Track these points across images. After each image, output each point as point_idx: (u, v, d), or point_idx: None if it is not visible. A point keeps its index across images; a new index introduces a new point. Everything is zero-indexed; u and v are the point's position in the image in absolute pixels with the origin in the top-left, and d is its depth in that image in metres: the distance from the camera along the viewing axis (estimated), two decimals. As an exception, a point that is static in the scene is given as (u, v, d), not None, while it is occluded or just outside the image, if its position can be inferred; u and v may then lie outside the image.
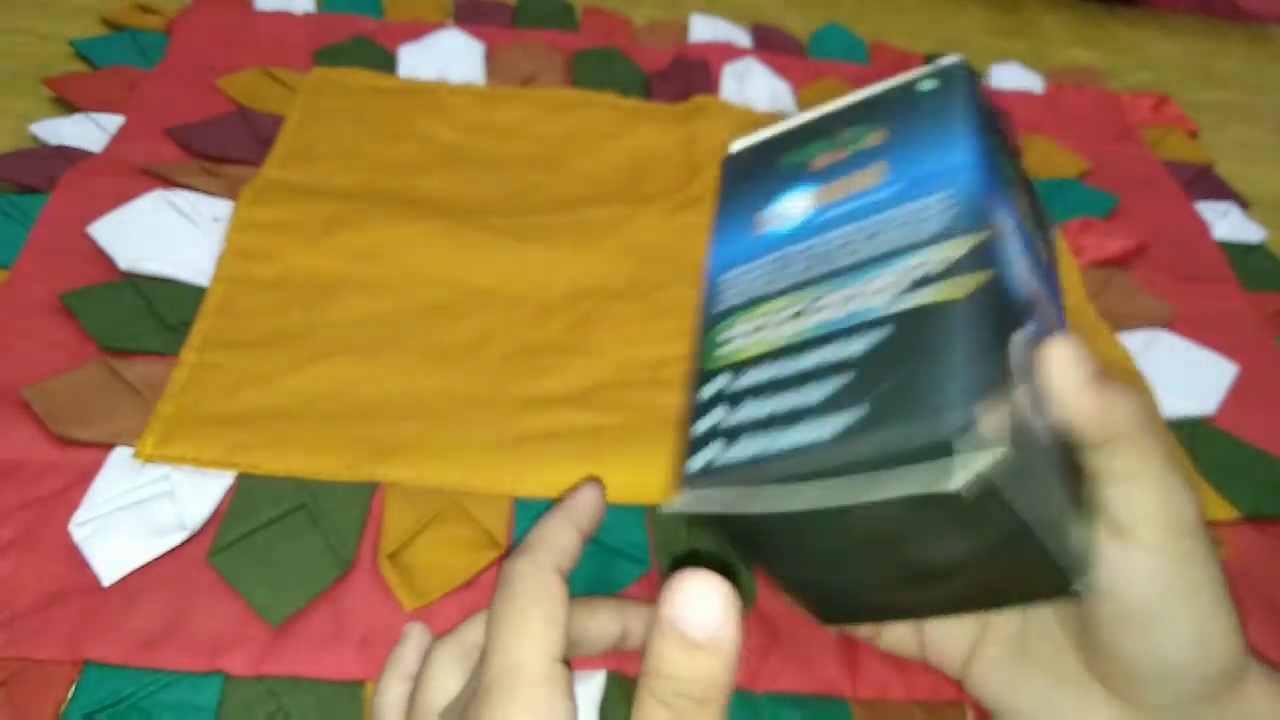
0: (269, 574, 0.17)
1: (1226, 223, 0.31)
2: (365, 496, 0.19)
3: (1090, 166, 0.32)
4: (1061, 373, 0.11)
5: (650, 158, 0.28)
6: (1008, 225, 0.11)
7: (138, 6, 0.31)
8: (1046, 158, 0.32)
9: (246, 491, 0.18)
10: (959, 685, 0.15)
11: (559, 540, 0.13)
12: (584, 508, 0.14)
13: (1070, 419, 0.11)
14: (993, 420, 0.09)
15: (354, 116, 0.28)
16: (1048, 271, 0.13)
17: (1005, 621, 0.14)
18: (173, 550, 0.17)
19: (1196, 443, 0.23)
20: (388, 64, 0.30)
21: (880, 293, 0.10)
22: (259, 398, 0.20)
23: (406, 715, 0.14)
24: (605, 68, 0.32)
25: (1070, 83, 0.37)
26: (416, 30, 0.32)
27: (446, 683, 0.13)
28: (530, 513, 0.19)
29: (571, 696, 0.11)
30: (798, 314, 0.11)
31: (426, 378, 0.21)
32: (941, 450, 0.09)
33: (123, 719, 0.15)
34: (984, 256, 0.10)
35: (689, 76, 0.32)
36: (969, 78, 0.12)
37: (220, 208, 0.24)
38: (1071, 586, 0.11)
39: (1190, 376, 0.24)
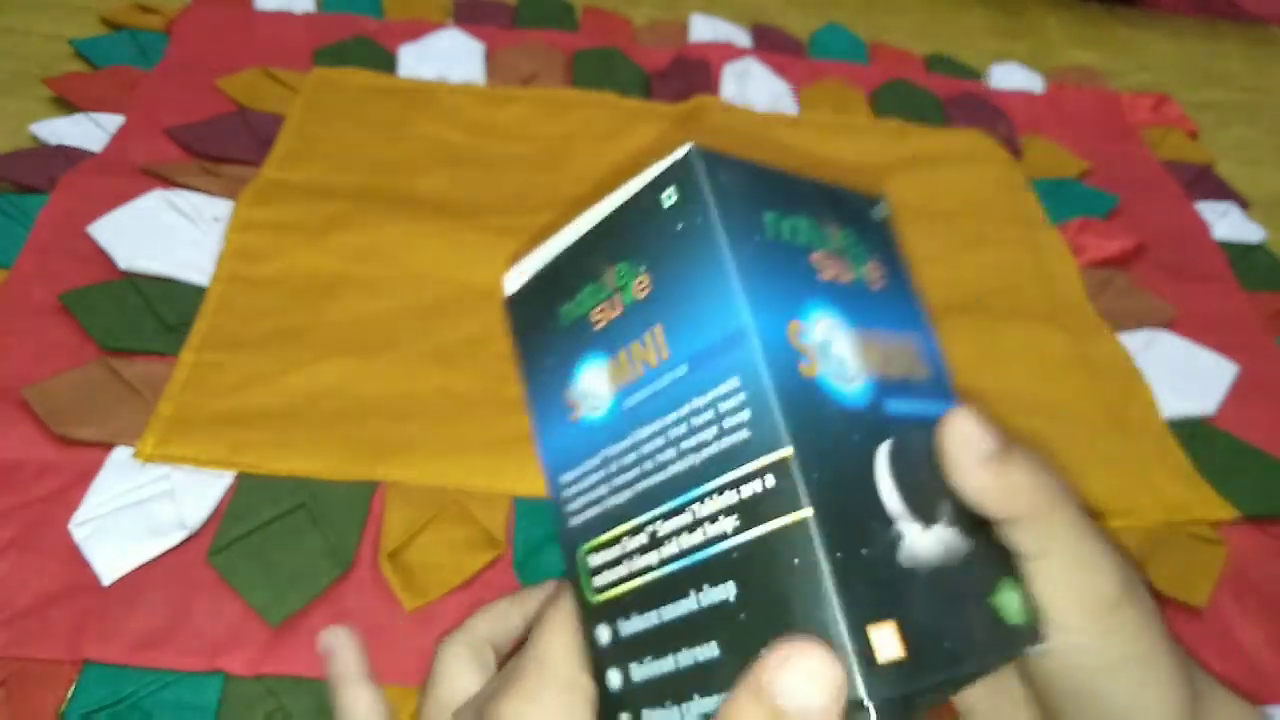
0: (269, 574, 0.17)
1: (1226, 223, 0.31)
2: (365, 496, 0.19)
3: (1090, 166, 0.32)
4: (958, 450, 0.10)
5: (650, 157, 0.28)
6: (824, 322, 0.10)
7: (137, 6, 0.31)
8: (1046, 158, 0.32)
9: (246, 491, 0.18)
10: None
11: None
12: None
13: (970, 497, 0.10)
14: (885, 642, 0.09)
15: (354, 116, 0.28)
16: (892, 283, 0.11)
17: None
18: (172, 550, 0.17)
19: (1196, 443, 0.23)
20: (388, 64, 0.30)
21: (718, 519, 0.10)
22: (259, 397, 0.20)
23: (419, 713, 0.14)
24: (605, 68, 0.32)
25: (1070, 83, 0.37)
26: (416, 30, 0.32)
27: (463, 680, 0.13)
28: (530, 512, 0.19)
29: (593, 701, 0.11)
30: (650, 542, 0.10)
31: (426, 377, 0.21)
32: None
33: (123, 718, 0.15)
34: (803, 470, 0.09)
35: (689, 76, 0.32)
36: (707, 172, 0.10)
37: (220, 207, 0.24)
38: (1014, 654, 0.10)
39: (1190, 376, 0.24)
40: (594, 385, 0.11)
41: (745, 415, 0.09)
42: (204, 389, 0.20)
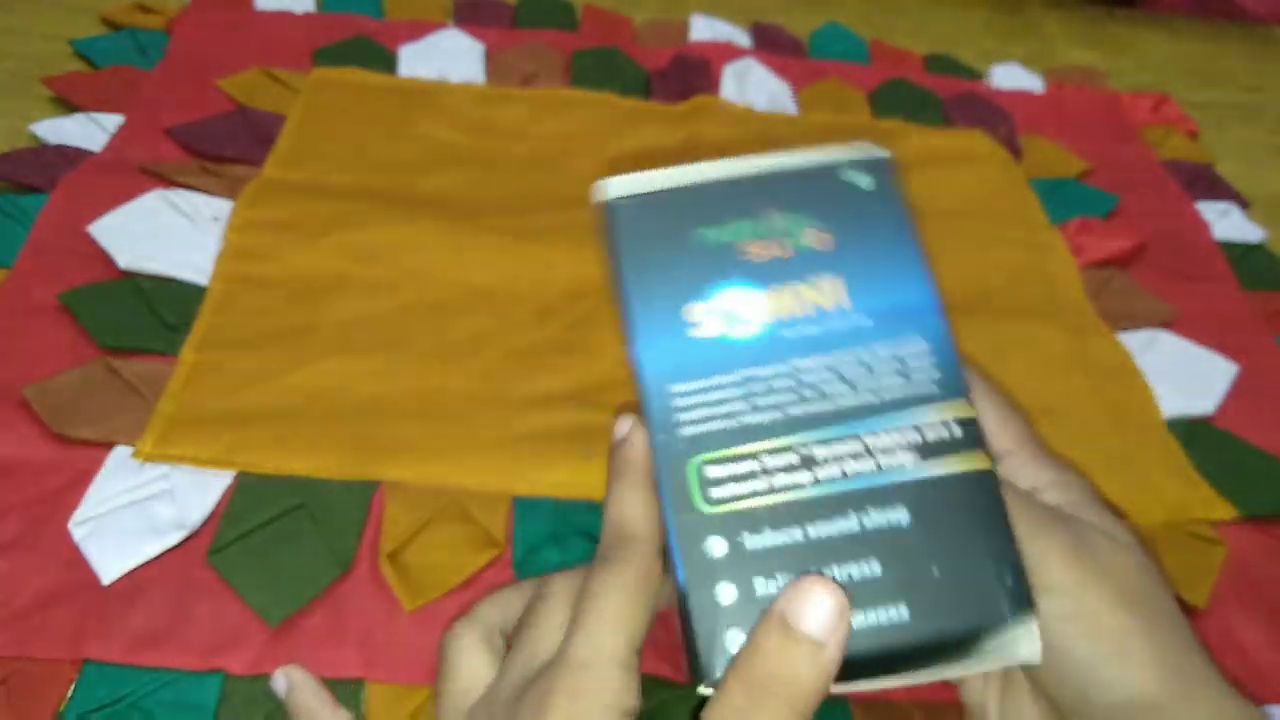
0: (268, 574, 0.17)
1: (1226, 223, 0.31)
2: (365, 496, 0.19)
3: (1090, 167, 0.32)
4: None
5: (650, 157, 0.29)
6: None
7: (138, 6, 0.31)
8: (1047, 158, 0.32)
9: (246, 491, 0.18)
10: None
11: (655, 520, 0.12)
12: (643, 461, 0.12)
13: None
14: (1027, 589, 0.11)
15: (354, 116, 0.28)
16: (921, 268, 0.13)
17: None
18: (172, 549, 0.17)
19: (1196, 442, 0.23)
20: (388, 64, 0.30)
21: (890, 452, 0.11)
22: (258, 397, 0.20)
23: (437, 706, 0.14)
24: (605, 67, 0.32)
25: (1071, 83, 0.37)
26: (417, 30, 0.32)
27: (476, 670, 0.13)
28: (529, 512, 0.19)
29: (639, 689, 0.12)
30: (802, 462, 0.11)
31: (426, 377, 0.21)
32: (1007, 625, 0.10)
33: (122, 718, 0.15)
34: (977, 428, 0.11)
35: (689, 76, 0.32)
36: (898, 176, 0.12)
37: (220, 207, 0.24)
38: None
39: (1190, 376, 0.24)
40: (741, 308, 0.12)
41: (934, 372, 0.11)
42: (204, 388, 0.20)
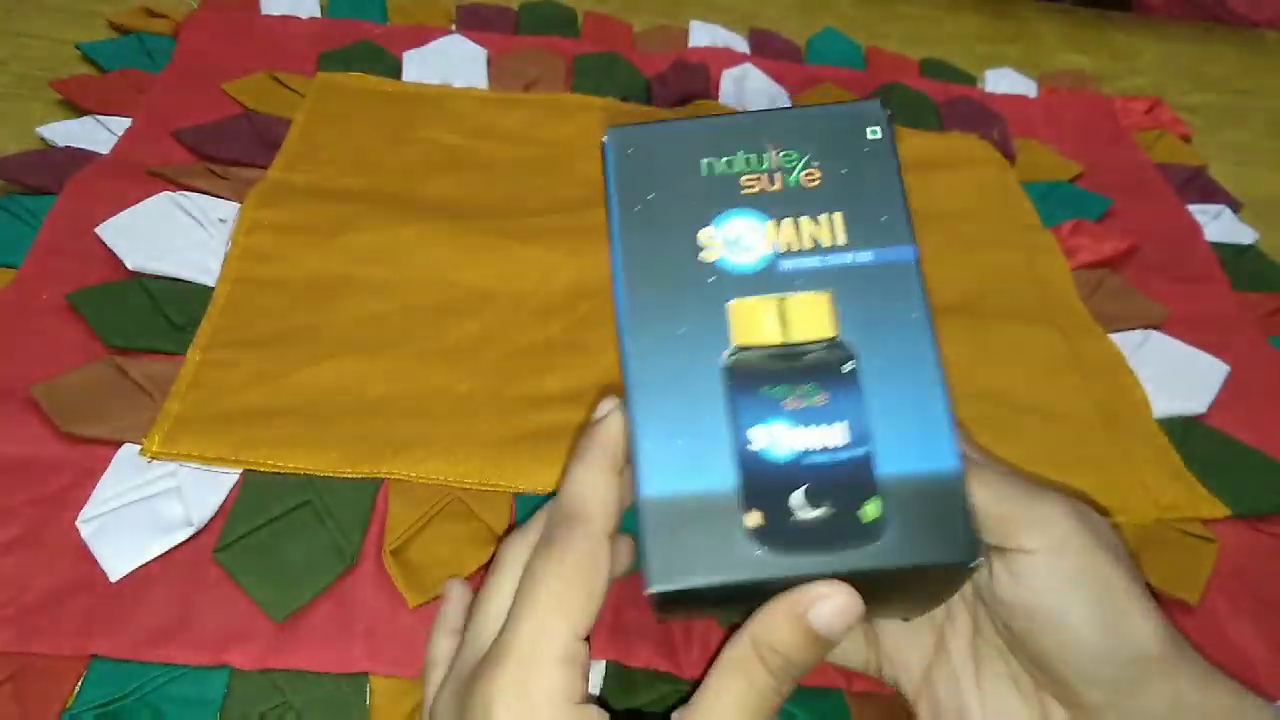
0: (274, 570, 0.17)
1: (1218, 225, 0.31)
2: (369, 493, 0.19)
3: (1083, 170, 0.32)
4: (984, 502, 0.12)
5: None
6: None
7: (145, 11, 0.31)
8: (1040, 161, 0.32)
9: (252, 488, 0.19)
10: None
11: (610, 502, 0.12)
12: (614, 445, 0.13)
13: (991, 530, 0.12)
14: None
15: (359, 120, 0.28)
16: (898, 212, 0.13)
17: (960, 630, 0.14)
18: (179, 546, 0.18)
19: (1188, 441, 0.23)
20: (392, 69, 0.31)
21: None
22: (264, 396, 0.20)
23: (424, 698, 0.14)
24: (605, 72, 0.32)
25: (1063, 87, 0.37)
26: (420, 35, 0.32)
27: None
28: (530, 508, 0.19)
29: (587, 676, 0.12)
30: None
31: (429, 377, 0.21)
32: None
33: (129, 713, 0.16)
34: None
35: (688, 81, 0.32)
36: (893, 130, 0.13)
37: (227, 210, 0.25)
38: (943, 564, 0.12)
39: (1182, 376, 0.25)
40: (746, 237, 0.12)
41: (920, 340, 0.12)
42: (210, 388, 0.20)
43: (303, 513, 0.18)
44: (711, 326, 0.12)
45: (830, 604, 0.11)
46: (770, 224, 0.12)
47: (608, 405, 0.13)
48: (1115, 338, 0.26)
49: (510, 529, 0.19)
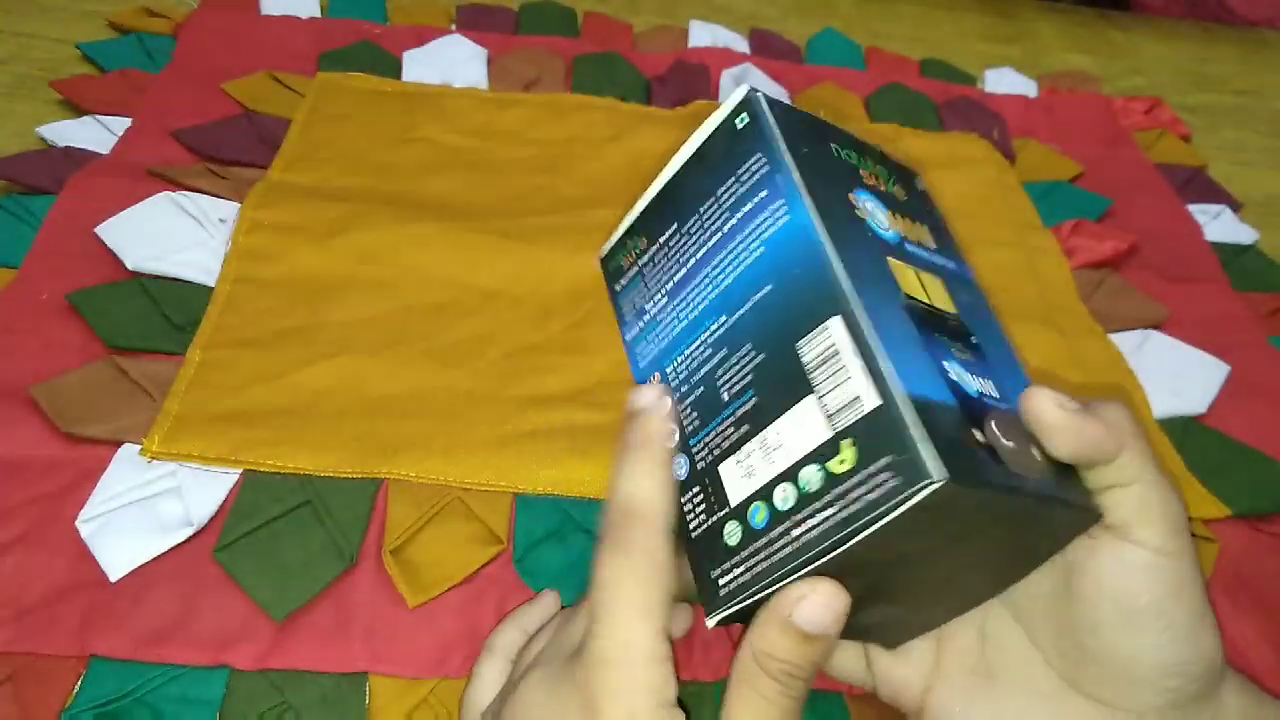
0: (274, 570, 0.17)
1: (1218, 224, 0.31)
2: (369, 493, 0.19)
3: (1083, 170, 0.32)
4: (1051, 419, 0.11)
5: (650, 161, 0.29)
6: (867, 202, 0.13)
7: (145, 11, 0.32)
8: (1040, 161, 0.32)
9: (252, 488, 0.19)
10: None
11: (667, 498, 0.12)
12: (662, 439, 0.12)
13: (1074, 454, 0.12)
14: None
15: (359, 120, 0.28)
16: (915, 201, 0.14)
17: (962, 645, 0.14)
18: (179, 546, 0.18)
19: (1188, 441, 0.23)
20: (392, 69, 0.31)
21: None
22: (264, 396, 0.20)
23: (459, 713, 0.15)
24: (605, 72, 0.32)
25: (1064, 87, 0.37)
26: (420, 36, 0.32)
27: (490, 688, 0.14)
28: (530, 508, 0.19)
29: (675, 673, 0.12)
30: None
31: (429, 376, 0.21)
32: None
33: (128, 713, 0.16)
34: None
35: (688, 81, 0.32)
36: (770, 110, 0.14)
37: (226, 209, 0.25)
38: (1089, 511, 0.12)
39: (1182, 376, 0.25)
40: (878, 215, 0.13)
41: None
42: (210, 388, 0.20)
43: (302, 513, 0.18)
44: (884, 272, 0.12)
45: (810, 602, 0.11)
46: (889, 213, 0.13)
47: (647, 397, 0.13)
48: (1115, 338, 0.26)
49: (510, 529, 0.19)
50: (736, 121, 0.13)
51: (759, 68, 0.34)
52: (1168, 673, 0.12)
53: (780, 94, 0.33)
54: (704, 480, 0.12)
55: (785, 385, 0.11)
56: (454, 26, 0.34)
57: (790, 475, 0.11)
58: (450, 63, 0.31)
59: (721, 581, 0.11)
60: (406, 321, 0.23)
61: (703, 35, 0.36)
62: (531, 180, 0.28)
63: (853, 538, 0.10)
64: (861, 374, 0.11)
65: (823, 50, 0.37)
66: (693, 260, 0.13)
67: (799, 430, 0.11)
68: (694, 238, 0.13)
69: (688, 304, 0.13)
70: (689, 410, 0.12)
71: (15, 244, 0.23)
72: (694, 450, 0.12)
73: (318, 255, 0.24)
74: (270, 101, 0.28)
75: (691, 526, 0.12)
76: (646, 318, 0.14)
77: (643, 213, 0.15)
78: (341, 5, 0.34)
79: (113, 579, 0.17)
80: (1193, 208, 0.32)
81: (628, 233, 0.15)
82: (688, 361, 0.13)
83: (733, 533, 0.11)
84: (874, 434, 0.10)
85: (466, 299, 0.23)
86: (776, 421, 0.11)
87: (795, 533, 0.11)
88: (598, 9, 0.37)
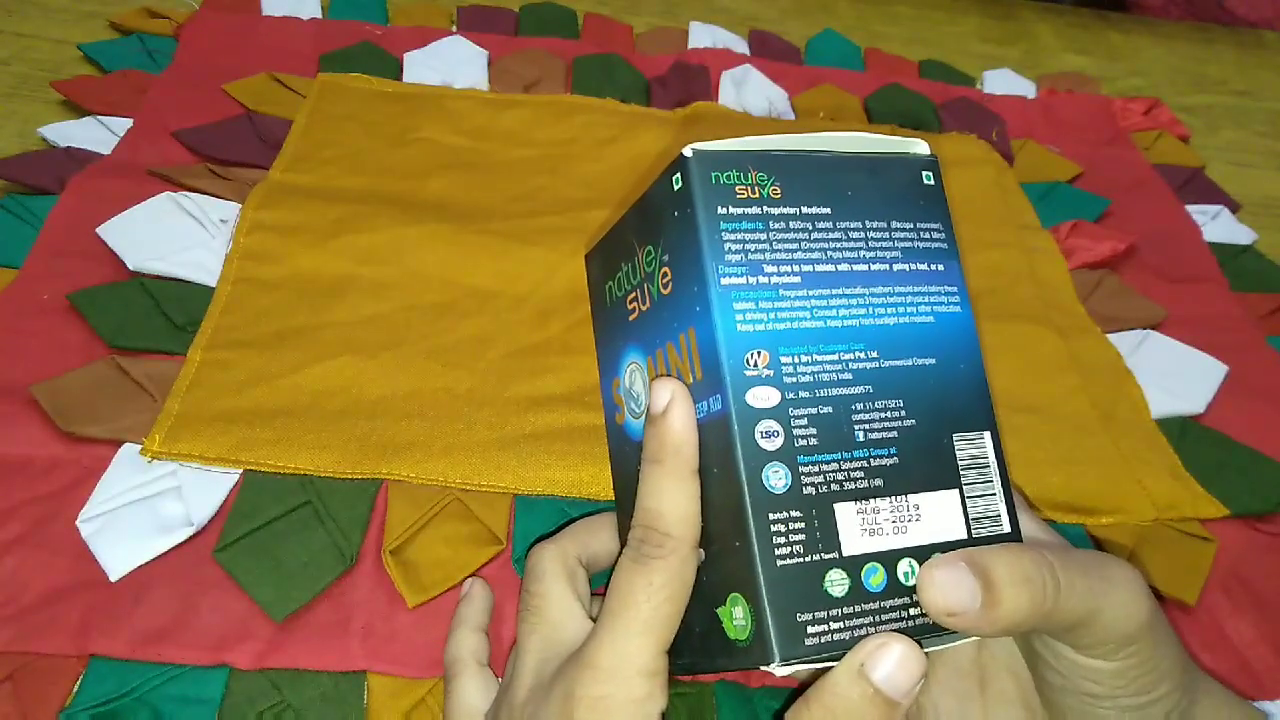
0: (274, 570, 0.17)
1: (1217, 225, 0.31)
2: (369, 493, 0.19)
3: (1082, 170, 0.32)
4: (954, 620, 0.11)
5: (650, 162, 0.29)
6: (631, 365, 0.13)
7: (146, 11, 0.32)
8: (1039, 162, 0.32)
9: (252, 488, 0.19)
10: None
11: (693, 514, 0.12)
12: (689, 446, 0.12)
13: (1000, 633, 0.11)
14: None
15: (360, 121, 0.28)
16: (683, 271, 0.12)
17: (959, 652, 0.14)
18: (179, 546, 0.18)
19: (1186, 441, 0.23)
20: (393, 70, 0.31)
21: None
22: (265, 396, 0.20)
23: (518, 622, 0.14)
24: (606, 74, 0.32)
25: (1062, 88, 0.37)
26: (421, 37, 0.32)
27: (565, 607, 0.14)
28: (530, 509, 0.19)
29: (667, 687, 0.12)
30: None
31: (430, 377, 0.21)
32: None
33: (127, 712, 0.16)
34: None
35: (688, 82, 0.32)
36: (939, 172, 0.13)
37: (227, 210, 0.25)
38: (735, 667, 0.12)
39: (1180, 376, 0.25)
40: (635, 387, 0.13)
41: None
42: (211, 388, 0.20)
43: (302, 513, 0.18)
44: None
45: (905, 669, 0.10)
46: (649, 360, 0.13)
47: (666, 392, 0.12)
48: (1114, 338, 0.26)
49: (510, 529, 0.19)
50: (924, 177, 0.13)
51: (758, 69, 0.34)
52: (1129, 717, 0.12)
53: (780, 95, 0.33)
54: (812, 510, 0.11)
55: (935, 465, 0.11)
56: (455, 28, 0.34)
57: (918, 554, 0.11)
58: (451, 64, 0.31)
59: (811, 629, 0.10)
60: (407, 322, 0.23)
61: (703, 36, 0.36)
62: (532, 181, 0.28)
63: (964, 637, 0.11)
64: (1000, 497, 0.11)
65: (822, 51, 0.37)
66: (846, 266, 0.12)
67: (938, 515, 0.11)
68: (852, 243, 0.12)
69: (828, 306, 0.12)
70: (804, 422, 0.11)
71: (16, 244, 0.23)
72: (803, 469, 0.11)
73: (318, 256, 0.24)
74: (271, 102, 0.28)
75: (779, 551, 0.11)
76: (764, 278, 0.12)
77: (777, 156, 0.12)
78: (342, 6, 0.34)
79: (113, 579, 0.17)
80: (1191, 208, 0.32)
81: (750, 157, 0.12)
82: (814, 369, 0.12)
83: (839, 583, 0.11)
84: None
85: (467, 300, 0.23)
86: (920, 495, 0.11)
87: (913, 612, 0.11)
88: (598, 10, 0.37)
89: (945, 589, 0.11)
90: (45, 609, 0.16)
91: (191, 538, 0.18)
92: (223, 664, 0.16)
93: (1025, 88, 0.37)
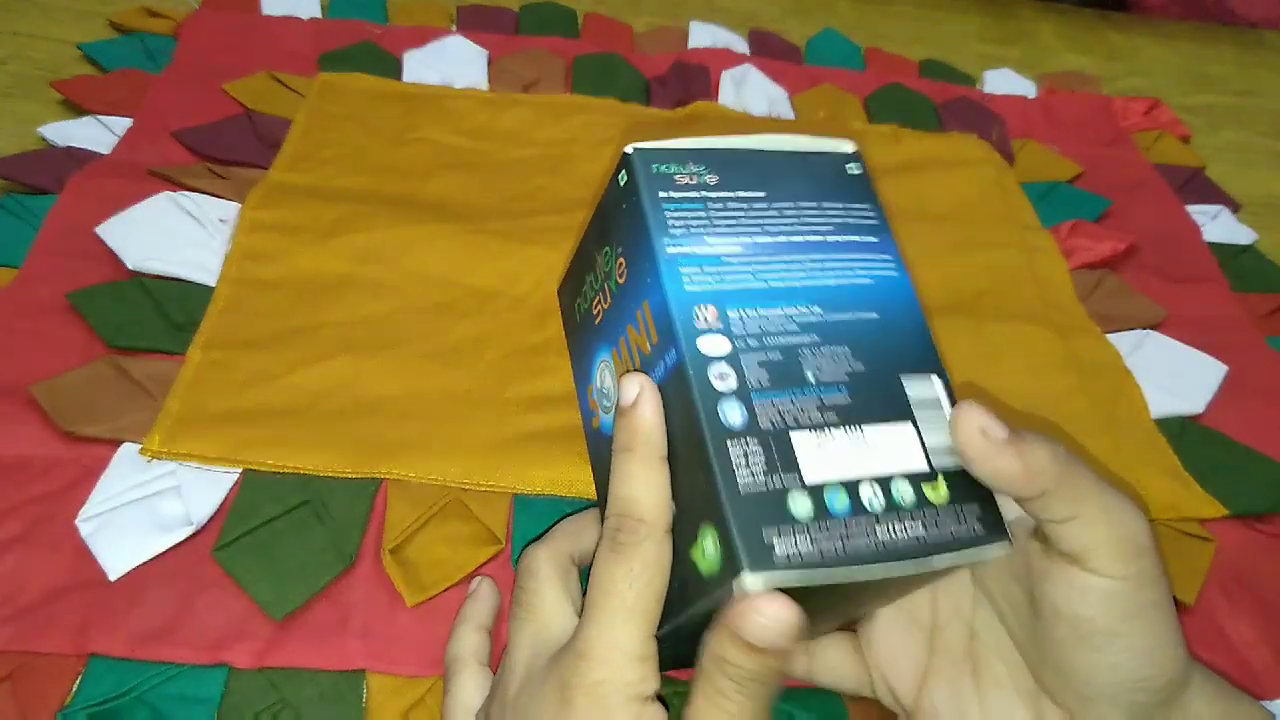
0: (273, 569, 0.17)
1: (1217, 225, 0.31)
2: (368, 493, 0.19)
3: (1082, 170, 0.32)
4: (974, 442, 0.12)
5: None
6: (601, 364, 0.13)
7: (146, 11, 0.32)
8: (1039, 162, 0.32)
9: (251, 488, 0.19)
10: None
11: (665, 498, 0.12)
12: (656, 433, 0.12)
13: (993, 482, 0.12)
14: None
15: (359, 121, 0.28)
16: (639, 256, 0.14)
17: (951, 639, 0.14)
18: (178, 545, 0.18)
19: (1185, 441, 0.23)
20: (393, 69, 0.31)
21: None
22: (264, 396, 0.20)
23: (510, 621, 0.14)
24: (606, 73, 0.32)
25: (1063, 88, 0.37)
26: (421, 36, 0.32)
27: (557, 609, 0.14)
28: (529, 509, 0.19)
29: (658, 671, 0.12)
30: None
31: (429, 377, 0.21)
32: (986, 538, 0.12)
33: (126, 711, 0.16)
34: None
35: (688, 82, 0.32)
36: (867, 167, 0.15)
37: (227, 209, 0.25)
38: (710, 605, 0.12)
39: (1180, 376, 0.25)
40: (605, 384, 0.14)
41: None
42: (210, 387, 0.20)
43: (301, 512, 0.18)
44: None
45: (759, 618, 0.11)
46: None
47: (634, 387, 0.13)
48: (1113, 338, 0.26)
49: (509, 529, 0.19)
50: (849, 168, 0.14)
51: (759, 68, 0.34)
52: (1126, 689, 0.12)
53: (780, 95, 0.33)
54: (770, 440, 0.12)
55: (887, 403, 0.12)
56: (454, 27, 0.34)
57: (881, 482, 0.12)
58: (451, 63, 0.31)
59: (779, 544, 0.11)
60: (406, 322, 0.23)
61: (703, 36, 0.36)
62: (531, 181, 0.28)
63: (932, 554, 0.11)
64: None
65: (822, 51, 0.37)
66: (784, 237, 0.14)
67: (896, 445, 0.12)
68: (787, 220, 0.14)
69: (769, 270, 0.13)
70: (756, 365, 0.12)
71: (16, 244, 0.23)
72: (758, 405, 0.12)
73: (318, 255, 0.24)
74: (271, 102, 0.28)
75: (741, 478, 0.11)
76: (706, 247, 0.13)
77: (712, 151, 0.14)
78: (342, 5, 0.34)
79: (112, 578, 0.17)
80: (1191, 208, 0.32)
81: (688, 153, 0.14)
82: (762, 322, 0.13)
83: (802, 505, 0.11)
84: (966, 487, 0.12)
85: (466, 300, 0.23)
86: (875, 426, 0.12)
87: (878, 531, 0.11)
88: (598, 9, 0.37)
89: (981, 413, 0.11)
90: (44, 608, 0.17)
91: (191, 537, 0.18)
92: (222, 663, 0.16)
93: (1025, 87, 0.37)
